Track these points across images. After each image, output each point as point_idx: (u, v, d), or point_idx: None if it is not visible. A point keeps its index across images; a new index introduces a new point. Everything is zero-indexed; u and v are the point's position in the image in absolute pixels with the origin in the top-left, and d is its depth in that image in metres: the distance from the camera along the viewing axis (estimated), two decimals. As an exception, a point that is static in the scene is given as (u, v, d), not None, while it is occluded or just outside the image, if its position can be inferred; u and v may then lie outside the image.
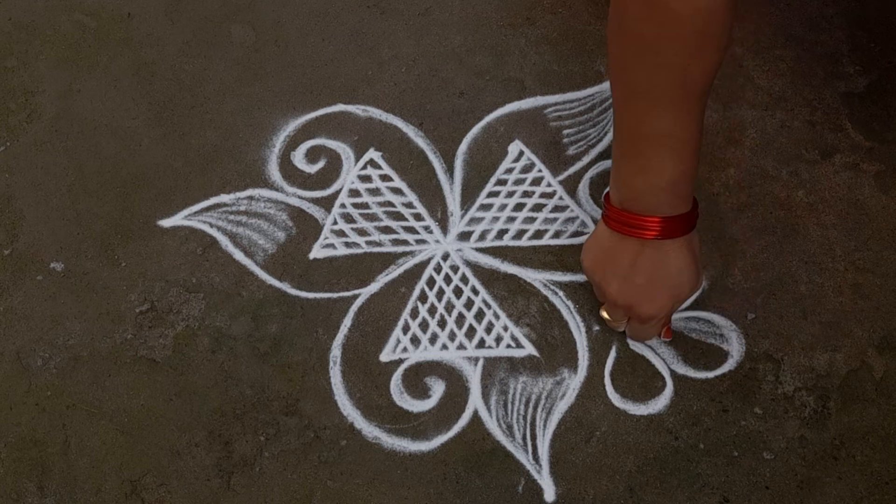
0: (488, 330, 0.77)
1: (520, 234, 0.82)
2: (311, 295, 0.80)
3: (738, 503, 0.70)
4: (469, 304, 0.79)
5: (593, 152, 0.84)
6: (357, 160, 0.87)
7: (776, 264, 0.78)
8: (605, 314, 0.74)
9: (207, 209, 0.85)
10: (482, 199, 0.84)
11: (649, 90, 0.59)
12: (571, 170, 0.84)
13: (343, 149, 0.87)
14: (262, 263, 0.82)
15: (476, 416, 0.74)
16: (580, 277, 0.79)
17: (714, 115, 0.84)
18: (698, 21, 0.54)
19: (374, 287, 0.80)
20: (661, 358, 0.75)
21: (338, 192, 0.85)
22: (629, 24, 0.57)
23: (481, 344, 0.77)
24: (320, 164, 0.87)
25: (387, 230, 0.83)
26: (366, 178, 0.86)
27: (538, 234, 0.82)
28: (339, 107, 0.90)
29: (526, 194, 0.83)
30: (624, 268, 0.67)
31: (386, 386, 0.76)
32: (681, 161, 0.62)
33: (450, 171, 0.85)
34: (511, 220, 0.82)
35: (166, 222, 0.85)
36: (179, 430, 0.76)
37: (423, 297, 0.80)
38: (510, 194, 0.84)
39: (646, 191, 0.64)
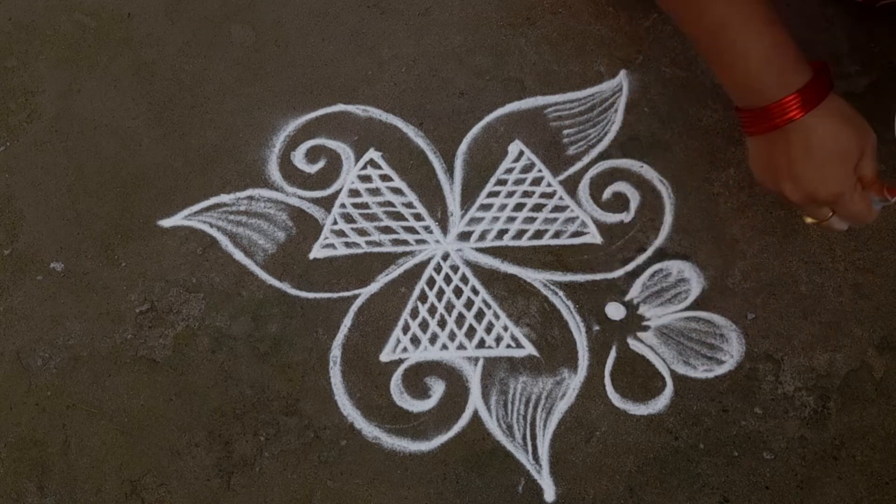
0: (488, 330, 0.77)
1: (520, 234, 0.82)
2: (311, 295, 0.80)
3: (738, 503, 0.70)
4: (469, 304, 0.79)
5: (593, 152, 0.84)
6: (357, 160, 0.87)
7: (776, 264, 0.78)
8: (809, 220, 0.68)
9: (207, 209, 0.85)
10: (482, 199, 0.84)
11: None
12: (571, 170, 0.84)
13: (343, 149, 0.87)
14: (262, 263, 0.82)
15: (476, 416, 0.74)
16: (580, 277, 0.79)
17: (714, 115, 0.84)
18: None
19: (374, 287, 0.80)
20: (661, 358, 0.75)
21: (338, 192, 0.85)
22: None
23: (481, 344, 0.77)
24: (320, 164, 0.87)
25: (387, 230, 0.83)
26: (366, 178, 0.86)
27: (538, 234, 0.82)
28: (339, 107, 0.90)
29: (526, 194, 0.83)
30: (785, 166, 0.64)
31: (386, 386, 0.76)
32: (757, 35, 0.62)
33: (450, 171, 0.85)
34: (511, 220, 0.82)
35: (166, 222, 0.85)
36: (179, 430, 0.76)
37: (423, 297, 0.80)
38: (510, 194, 0.84)
39: (751, 81, 0.63)
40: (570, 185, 0.83)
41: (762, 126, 0.63)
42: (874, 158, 0.64)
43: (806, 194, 0.64)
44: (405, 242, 0.82)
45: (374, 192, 0.85)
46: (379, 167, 0.86)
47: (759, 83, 0.62)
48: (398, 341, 0.78)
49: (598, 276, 0.79)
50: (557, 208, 0.82)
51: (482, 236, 0.82)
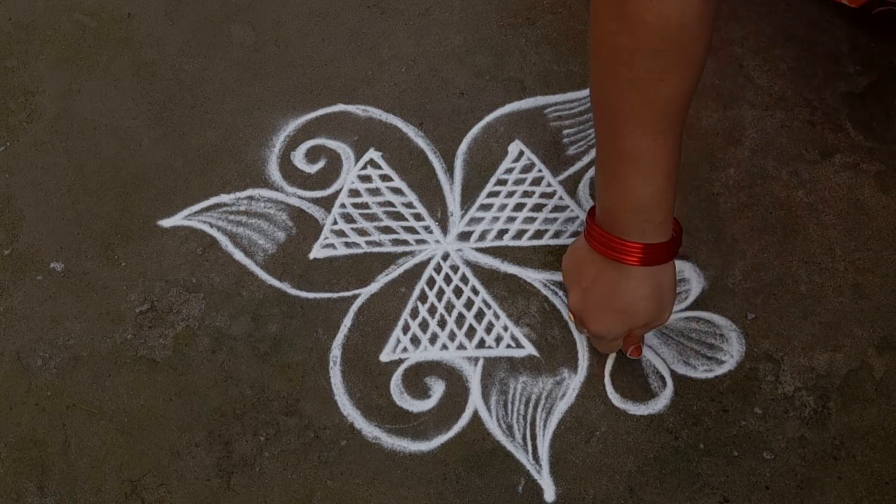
0: (488, 330, 0.77)
1: (520, 234, 0.82)
2: (311, 295, 0.80)
3: (738, 503, 0.70)
4: (469, 304, 0.79)
5: (593, 152, 0.84)
6: (357, 160, 0.87)
7: (776, 264, 0.78)
8: (568, 317, 0.76)
9: (207, 209, 0.85)
10: (482, 199, 0.84)
11: (621, 107, 0.59)
12: (571, 170, 0.84)
13: (343, 149, 0.87)
14: (262, 263, 0.82)
15: (476, 416, 0.74)
16: (580, 277, 0.79)
17: (714, 115, 0.84)
18: (670, 34, 0.54)
19: (374, 287, 0.80)
20: (661, 358, 0.75)
21: (338, 192, 0.85)
22: (604, 39, 0.57)
23: (481, 344, 0.77)
24: (320, 164, 0.87)
25: (387, 230, 0.83)
26: (366, 178, 0.86)
27: (538, 234, 0.82)
28: (339, 107, 0.90)
29: (526, 194, 0.84)
30: (586, 280, 0.68)
31: (386, 386, 0.76)
32: (649, 183, 0.61)
33: (450, 171, 0.85)
34: (511, 220, 0.82)
35: (166, 222, 0.85)
36: (179, 430, 0.76)
37: (423, 297, 0.80)
38: (510, 194, 0.84)
39: (616, 210, 0.64)
40: (570, 185, 0.83)
41: (599, 247, 0.66)
42: (650, 329, 0.70)
43: (580, 315, 0.69)
44: (405, 242, 0.82)
45: (374, 192, 0.85)
46: (379, 167, 0.86)
47: (623, 217, 0.64)
48: (398, 341, 0.78)
49: (598, 276, 0.79)
50: (557, 208, 0.82)
51: (482, 236, 0.82)
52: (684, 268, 0.78)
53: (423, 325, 0.78)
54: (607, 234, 0.65)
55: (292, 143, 0.88)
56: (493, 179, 0.85)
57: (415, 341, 0.78)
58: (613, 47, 0.56)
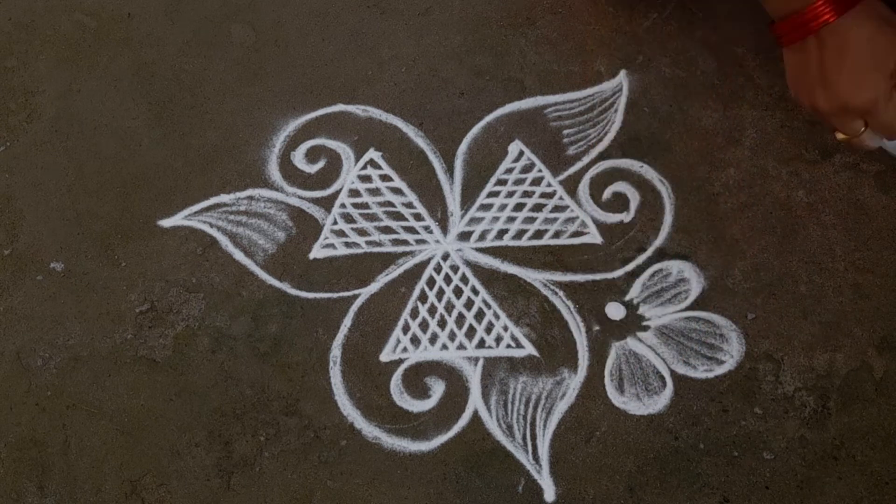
0: (488, 330, 0.77)
1: (520, 234, 0.82)
2: (311, 295, 0.80)
3: (738, 503, 0.70)
4: (469, 304, 0.79)
5: (593, 152, 0.84)
6: (357, 160, 0.87)
7: (776, 264, 0.78)
8: (840, 136, 0.65)
9: (207, 209, 0.85)
10: (482, 199, 0.84)
11: None
12: (571, 170, 0.84)
13: (343, 149, 0.87)
14: (262, 263, 0.82)
15: (476, 416, 0.74)
16: (580, 277, 0.79)
17: (714, 115, 0.84)
18: None
19: (374, 287, 0.80)
20: (661, 358, 0.75)
21: (338, 192, 0.85)
22: None
23: (481, 344, 0.77)
24: (320, 164, 0.87)
25: (387, 230, 0.83)
26: (366, 178, 0.86)
27: (538, 234, 0.82)
28: (339, 107, 0.90)
29: (526, 194, 0.83)
30: (817, 74, 0.62)
31: (386, 386, 0.76)
32: None
33: (450, 171, 0.85)
34: (511, 220, 0.82)
35: (166, 222, 0.85)
36: (179, 430, 0.76)
37: (423, 297, 0.80)
38: (510, 194, 0.84)
39: None
40: (570, 185, 0.83)
41: (796, 34, 0.61)
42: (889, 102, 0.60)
43: (839, 103, 0.61)
44: (405, 242, 0.82)
45: (374, 192, 0.85)
46: (379, 167, 0.86)
47: None
48: (398, 341, 0.78)
49: (598, 276, 0.79)
50: (557, 208, 0.82)
51: (482, 236, 0.82)
52: (684, 268, 0.78)
53: (423, 325, 0.78)
54: (797, 16, 0.60)
55: (292, 143, 0.88)
56: (493, 179, 0.85)
57: (415, 341, 0.78)
58: None
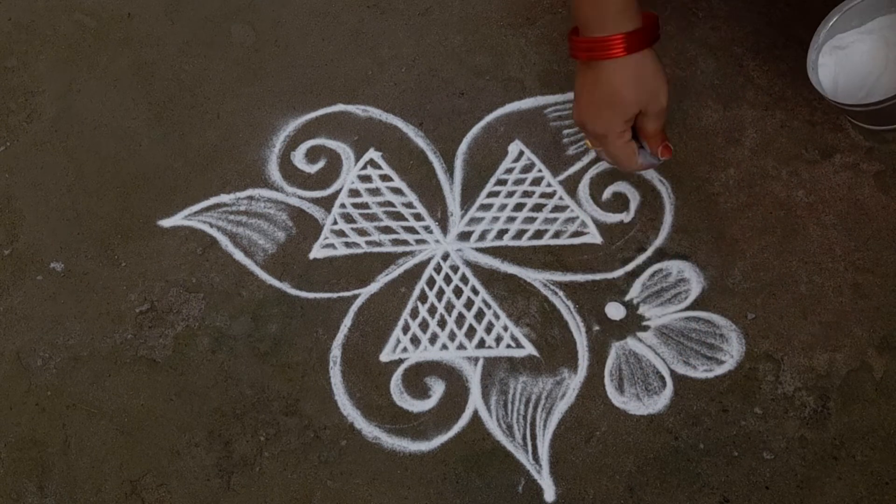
0: (488, 330, 0.77)
1: (520, 234, 0.82)
2: (311, 295, 0.80)
3: (738, 503, 0.70)
4: (469, 304, 0.79)
5: (593, 153, 0.84)
6: (357, 160, 0.87)
7: (776, 264, 0.78)
8: (588, 144, 0.77)
9: (207, 209, 0.85)
10: (482, 199, 0.84)
11: None
12: (571, 170, 0.84)
13: (343, 149, 0.87)
14: (262, 263, 0.82)
15: (476, 416, 0.74)
16: (580, 277, 0.79)
17: (714, 115, 0.84)
18: None
19: (374, 287, 0.80)
20: (661, 358, 0.75)
21: (338, 192, 0.85)
22: None
23: (481, 344, 0.77)
24: (320, 164, 0.87)
25: (387, 230, 0.83)
26: (366, 178, 0.86)
27: (538, 234, 0.82)
28: (339, 107, 0.90)
29: (526, 194, 0.83)
30: (578, 89, 0.72)
31: (386, 386, 0.76)
32: None
33: (450, 171, 0.85)
34: (511, 220, 0.82)
35: (166, 222, 0.85)
36: (179, 430, 0.76)
37: (423, 297, 0.80)
38: (510, 194, 0.84)
39: (578, 6, 0.68)
40: (570, 185, 0.83)
41: (586, 54, 0.69)
42: (659, 118, 0.71)
43: (581, 121, 0.72)
44: (405, 242, 0.82)
45: (374, 192, 0.85)
46: (379, 167, 0.86)
47: (586, 12, 0.68)
48: (398, 341, 0.78)
49: (598, 276, 0.79)
50: (557, 208, 0.82)
51: (482, 236, 0.82)
52: (684, 268, 0.78)
53: (423, 325, 0.78)
54: (593, 40, 0.68)
55: (292, 143, 0.88)
56: (493, 179, 0.85)
57: (415, 341, 0.78)
58: None
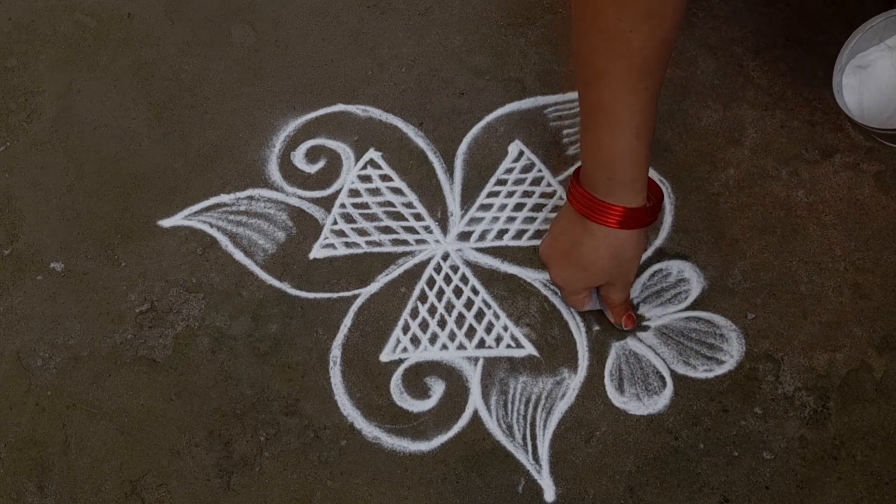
0: (488, 330, 0.77)
1: (520, 234, 0.82)
2: (311, 295, 0.80)
3: (738, 503, 0.70)
4: (469, 304, 0.79)
5: (593, 152, 0.84)
6: (357, 160, 0.87)
7: (776, 264, 0.78)
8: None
9: (207, 209, 0.85)
10: (482, 199, 0.84)
11: (593, 59, 0.58)
12: (571, 170, 0.84)
13: (343, 149, 0.87)
14: (262, 263, 0.82)
15: (476, 416, 0.74)
16: (580, 277, 0.79)
17: (714, 115, 0.84)
18: None
19: (374, 287, 0.80)
20: (661, 358, 0.75)
21: (338, 192, 0.85)
22: None
23: (481, 344, 0.77)
24: (320, 164, 0.87)
25: (387, 230, 0.83)
26: (366, 178, 0.86)
27: (538, 234, 0.82)
28: (339, 107, 0.90)
29: (526, 194, 0.84)
30: (557, 230, 0.71)
31: (386, 386, 0.76)
32: (617, 140, 0.61)
33: (450, 171, 0.85)
34: (511, 220, 0.82)
35: (166, 222, 0.85)
36: (179, 430, 0.76)
37: (423, 297, 0.80)
38: (510, 194, 0.84)
39: (587, 166, 0.65)
40: (570, 185, 0.83)
41: (580, 207, 0.67)
42: (625, 290, 0.72)
43: (545, 261, 0.74)
44: (405, 242, 0.82)
45: (374, 192, 0.85)
46: (379, 167, 0.86)
47: (592, 171, 0.65)
48: (398, 341, 0.78)
49: (598, 276, 0.79)
50: (557, 208, 0.82)
51: (482, 236, 0.82)
52: (684, 268, 0.78)
53: (423, 325, 0.78)
54: (585, 192, 0.66)
55: (292, 143, 0.88)
56: (493, 179, 0.85)
57: (415, 341, 0.78)
58: None
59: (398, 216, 0.84)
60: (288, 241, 0.83)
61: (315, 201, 0.85)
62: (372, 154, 0.87)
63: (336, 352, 0.78)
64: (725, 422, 0.72)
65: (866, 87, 0.76)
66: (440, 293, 0.80)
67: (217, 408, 0.76)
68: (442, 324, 0.78)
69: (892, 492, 0.69)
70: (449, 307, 0.79)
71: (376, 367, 0.77)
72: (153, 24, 0.96)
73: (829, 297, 0.76)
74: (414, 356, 0.77)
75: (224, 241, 0.83)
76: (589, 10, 0.56)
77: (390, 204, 0.84)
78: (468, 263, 0.81)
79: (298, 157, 0.87)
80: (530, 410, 0.74)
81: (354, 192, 0.85)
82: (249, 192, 0.86)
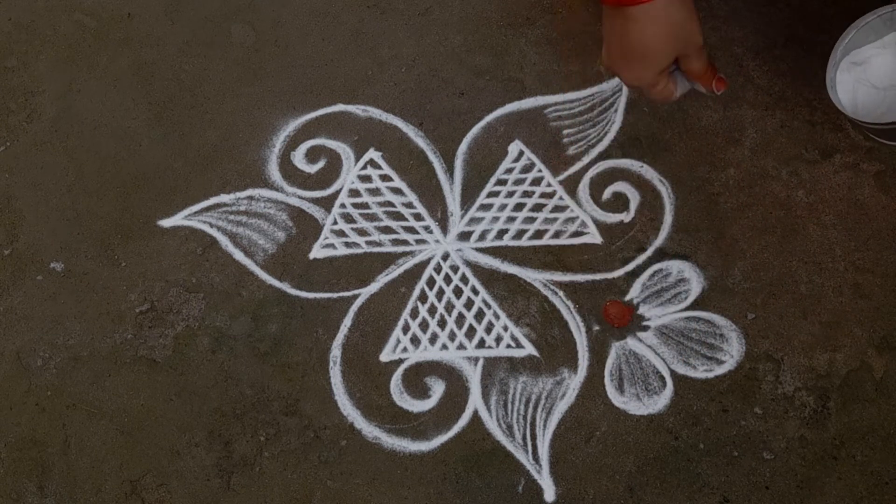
0: (488, 330, 0.77)
1: (520, 234, 0.82)
2: (311, 295, 0.80)
3: (738, 503, 0.70)
4: (469, 304, 0.79)
5: (593, 152, 0.84)
6: (357, 160, 0.87)
7: (776, 264, 0.78)
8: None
9: (207, 209, 0.85)
10: (482, 199, 0.84)
11: None
12: (571, 170, 0.84)
13: (343, 149, 0.87)
14: (262, 263, 0.82)
15: (476, 416, 0.74)
16: (580, 277, 0.79)
17: (714, 115, 0.84)
18: None
19: (374, 287, 0.80)
20: (661, 358, 0.75)
21: (338, 192, 0.85)
22: None
23: (481, 344, 0.77)
24: (320, 164, 0.87)
25: (387, 230, 0.83)
26: (366, 178, 0.86)
27: (538, 234, 0.82)
28: (339, 107, 0.90)
29: (526, 194, 0.83)
30: (607, 36, 0.69)
31: (386, 386, 0.76)
32: None
33: (450, 171, 0.85)
34: (511, 220, 0.82)
35: (166, 222, 0.85)
36: (179, 430, 0.76)
37: (423, 297, 0.80)
38: (510, 194, 0.84)
39: None
40: (570, 185, 0.83)
41: (616, 0, 0.66)
42: (699, 57, 0.67)
43: (615, 71, 0.69)
44: (405, 242, 0.82)
45: (374, 192, 0.85)
46: (379, 167, 0.86)
47: None
48: (398, 341, 0.78)
49: (598, 276, 0.79)
50: (557, 208, 0.82)
51: (482, 236, 0.82)
52: (684, 268, 0.78)
53: (423, 325, 0.78)
54: None
55: (292, 143, 0.88)
56: (493, 179, 0.85)
57: (415, 341, 0.78)
58: None
59: (398, 216, 0.84)
60: (288, 241, 0.83)
61: (315, 201, 0.85)
62: (372, 154, 0.87)
63: (336, 352, 0.78)
64: (725, 422, 0.72)
65: (860, 83, 0.76)
66: (440, 293, 0.80)
67: (217, 408, 0.76)
68: (442, 324, 0.78)
69: (892, 492, 0.69)
70: (449, 307, 0.79)
71: (376, 367, 0.77)
72: (153, 24, 0.96)
73: (829, 297, 0.76)
74: (414, 356, 0.77)
75: (224, 241, 0.83)
76: None
77: (390, 204, 0.84)
78: (468, 263, 0.81)
79: (298, 157, 0.87)
80: (530, 410, 0.74)
81: (354, 192, 0.85)
82: (249, 192, 0.86)
